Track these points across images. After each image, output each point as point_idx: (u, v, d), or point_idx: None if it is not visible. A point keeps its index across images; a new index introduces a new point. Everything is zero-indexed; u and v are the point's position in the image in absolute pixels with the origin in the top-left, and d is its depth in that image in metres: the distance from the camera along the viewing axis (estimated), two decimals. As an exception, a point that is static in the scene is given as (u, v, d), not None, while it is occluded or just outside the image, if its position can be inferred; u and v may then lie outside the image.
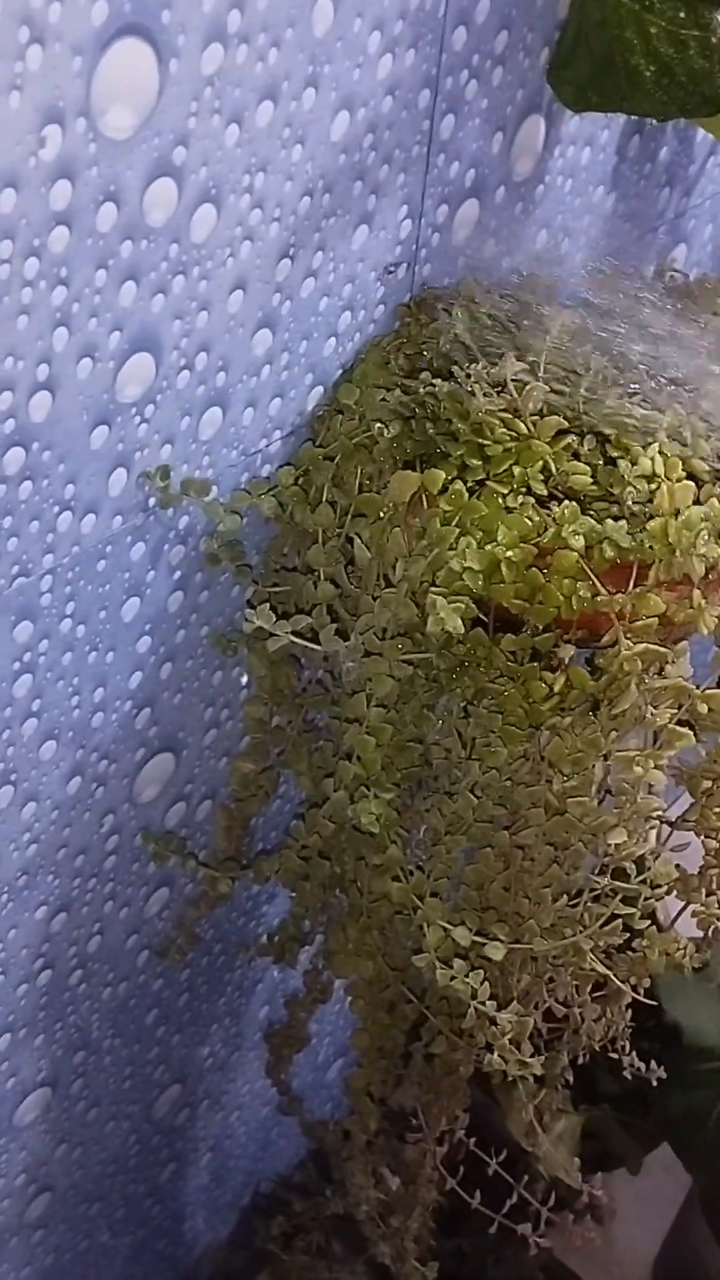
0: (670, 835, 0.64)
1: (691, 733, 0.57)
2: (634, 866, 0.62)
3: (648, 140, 0.73)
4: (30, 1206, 0.80)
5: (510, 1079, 0.72)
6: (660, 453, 0.55)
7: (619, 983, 0.66)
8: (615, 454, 0.56)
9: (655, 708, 0.57)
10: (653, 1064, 0.76)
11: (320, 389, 0.62)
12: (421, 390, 0.58)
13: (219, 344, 0.55)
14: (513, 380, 0.56)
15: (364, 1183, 0.87)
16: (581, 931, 0.63)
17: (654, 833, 0.63)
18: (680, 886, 0.64)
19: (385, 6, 0.53)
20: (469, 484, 0.56)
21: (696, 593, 0.54)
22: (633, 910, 0.62)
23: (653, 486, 0.54)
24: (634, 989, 0.68)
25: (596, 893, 0.63)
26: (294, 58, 0.51)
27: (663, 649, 0.55)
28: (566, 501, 0.54)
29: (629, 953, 0.66)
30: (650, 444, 0.55)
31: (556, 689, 0.57)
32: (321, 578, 0.62)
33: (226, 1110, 0.96)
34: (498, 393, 0.56)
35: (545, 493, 0.55)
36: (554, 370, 0.58)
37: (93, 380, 0.51)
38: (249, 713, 0.71)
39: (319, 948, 0.79)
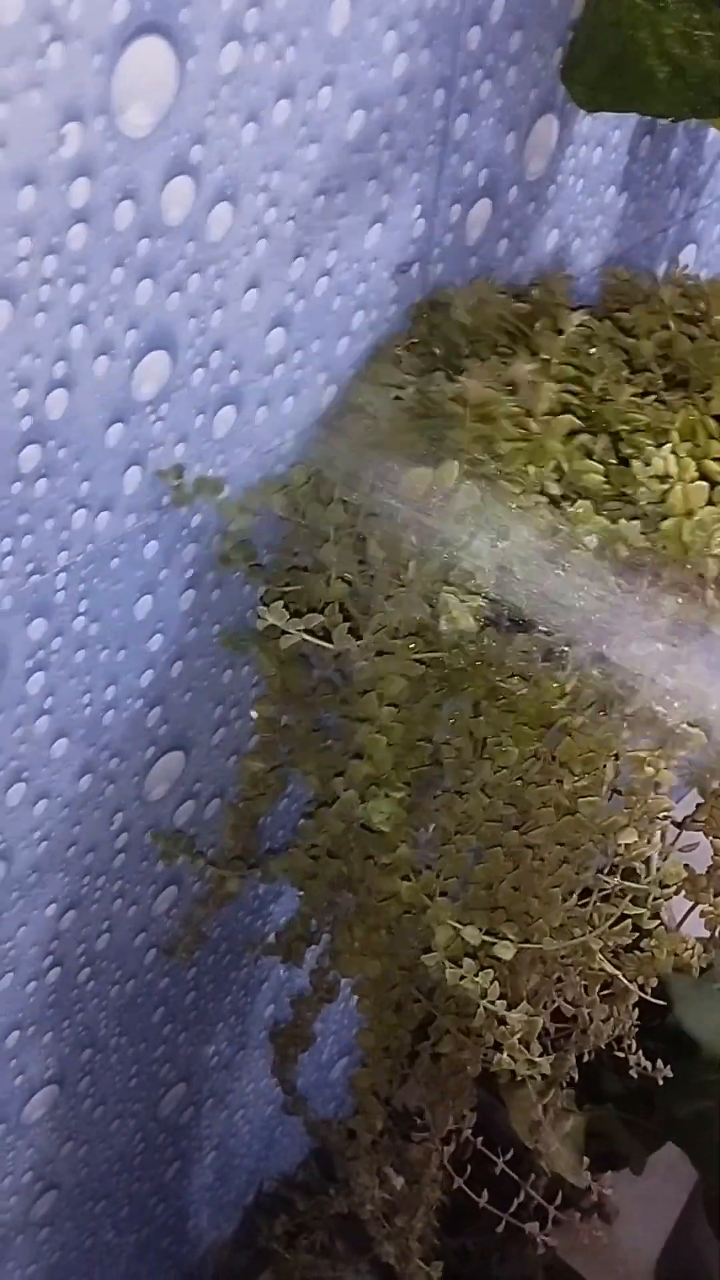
0: (679, 836, 0.65)
1: (703, 733, 0.57)
2: (643, 866, 0.62)
3: (659, 140, 0.73)
4: (36, 1204, 0.80)
5: (518, 1079, 0.72)
6: (673, 453, 0.55)
7: (627, 982, 0.67)
8: (628, 453, 0.56)
9: (665, 708, 0.57)
10: (659, 1063, 0.76)
11: (333, 388, 0.62)
12: (434, 389, 0.58)
13: (233, 342, 0.55)
14: (525, 380, 0.56)
15: (369, 1182, 0.87)
16: (591, 931, 0.63)
17: (661, 833, 0.63)
18: (689, 887, 0.64)
19: (401, 5, 0.53)
20: (481, 484, 0.56)
21: (710, 593, 0.54)
22: (642, 910, 0.62)
23: (666, 487, 0.55)
24: (641, 988, 0.68)
25: (606, 893, 0.63)
26: (311, 56, 0.51)
27: (676, 649, 0.55)
28: (580, 501, 0.54)
29: (637, 952, 0.66)
30: (664, 443, 0.55)
31: (569, 689, 0.57)
32: (333, 576, 0.62)
33: (231, 1109, 0.96)
34: (510, 392, 0.56)
35: (558, 492, 0.55)
36: (566, 370, 0.58)
37: (109, 378, 0.51)
38: (259, 711, 0.71)
39: (325, 947, 0.79)
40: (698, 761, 0.62)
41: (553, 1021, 0.72)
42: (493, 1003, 0.61)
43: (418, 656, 0.59)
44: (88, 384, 0.50)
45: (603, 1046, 0.76)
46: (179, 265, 0.51)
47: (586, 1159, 0.92)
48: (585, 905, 0.63)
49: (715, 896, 0.65)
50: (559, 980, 0.70)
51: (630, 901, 0.62)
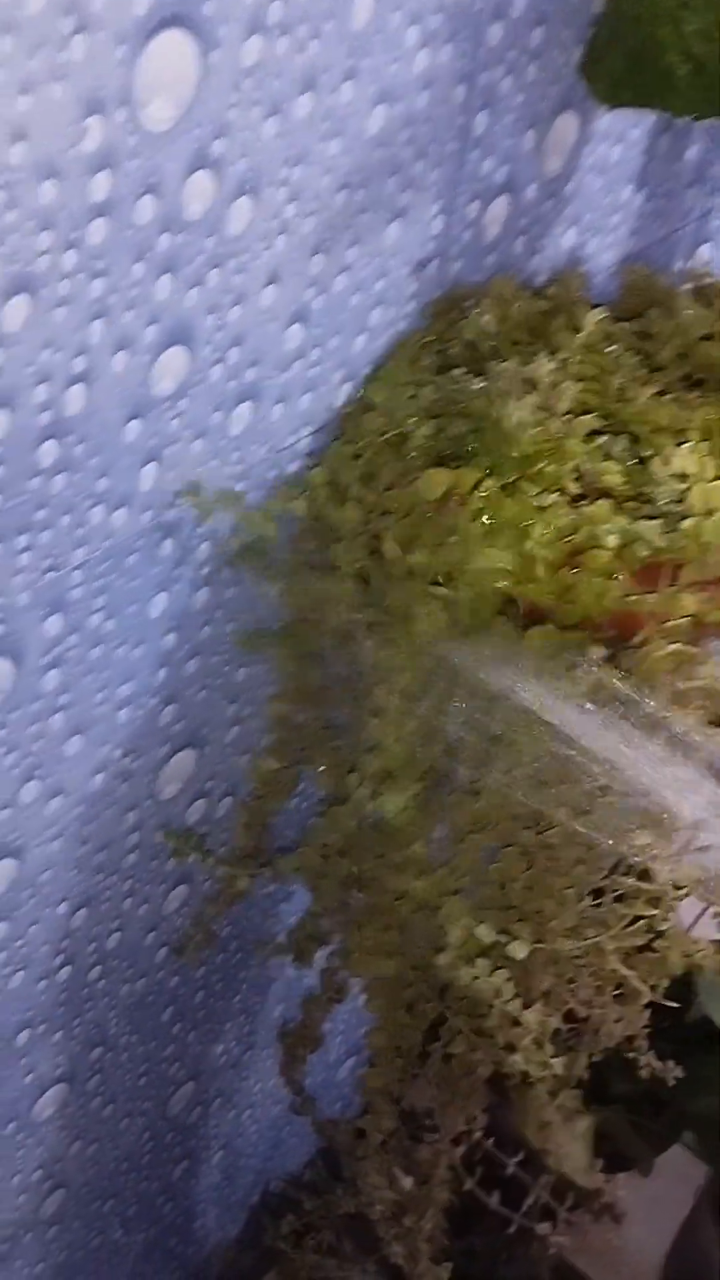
0: (693, 838, 0.64)
1: (721, 733, 0.57)
2: (658, 867, 0.62)
3: (677, 138, 0.73)
4: (45, 1203, 0.79)
5: (529, 1080, 0.72)
6: (693, 452, 0.55)
7: (638, 984, 0.66)
8: (647, 453, 0.56)
9: (684, 708, 0.57)
10: (670, 1063, 0.76)
11: (350, 385, 0.62)
12: (452, 388, 0.57)
13: (251, 338, 0.55)
14: (544, 379, 0.56)
15: (378, 1182, 0.86)
16: (605, 932, 0.63)
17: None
18: (702, 889, 0.64)
19: (424, 0, 0.53)
20: (500, 483, 0.55)
21: (730, 593, 0.54)
22: (656, 912, 0.62)
23: (685, 486, 0.54)
24: (653, 989, 0.68)
25: (620, 894, 0.63)
26: (333, 50, 0.50)
27: (693, 650, 0.55)
28: (600, 501, 0.53)
29: (649, 953, 0.66)
30: (683, 443, 0.55)
31: (587, 687, 0.57)
32: (346, 574, 0.62)
33: (239, 1108, 0.96)
34: (529, 391, 0.56)
35: (577, 492, 0.55)
36: (585, 369, 0.58)
37: (128, 373, 0.50)
38: (273, 710, 0.71)
39: (336, 946, 0.78)
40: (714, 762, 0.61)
41: (564, 1022, 0.72)
42: (506, 1003, 0.61)
43: (430, 650, 0.59)
44: (106, 379, 0.50)
45: (614, 1047, 0.75)
46: (199, 260, 0.50)
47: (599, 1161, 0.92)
48: (599, 906, 0.63)
49: (729, 898, 0.65)
50: (571, 981, 0.70)
51: (644, 903, 0.62)
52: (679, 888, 0.63)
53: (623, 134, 0.69)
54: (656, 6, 0.57)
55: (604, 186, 0.70)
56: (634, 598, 0.52)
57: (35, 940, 0.65)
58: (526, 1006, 0.62)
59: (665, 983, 0.68)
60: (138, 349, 0.50)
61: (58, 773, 0.60)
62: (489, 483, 0.55)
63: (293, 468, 0.62)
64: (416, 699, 0.60)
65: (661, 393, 0.57)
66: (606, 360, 0.58)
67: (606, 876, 0.64)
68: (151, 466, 0.54)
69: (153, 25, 0.44)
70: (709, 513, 0.54)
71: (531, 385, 0.56)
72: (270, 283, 0.54)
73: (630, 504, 0.55)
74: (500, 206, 0.64)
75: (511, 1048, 0.64)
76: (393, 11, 0.52)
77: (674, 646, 0.54)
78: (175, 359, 0.52)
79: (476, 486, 0.55)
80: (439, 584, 0.55)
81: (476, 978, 0.61)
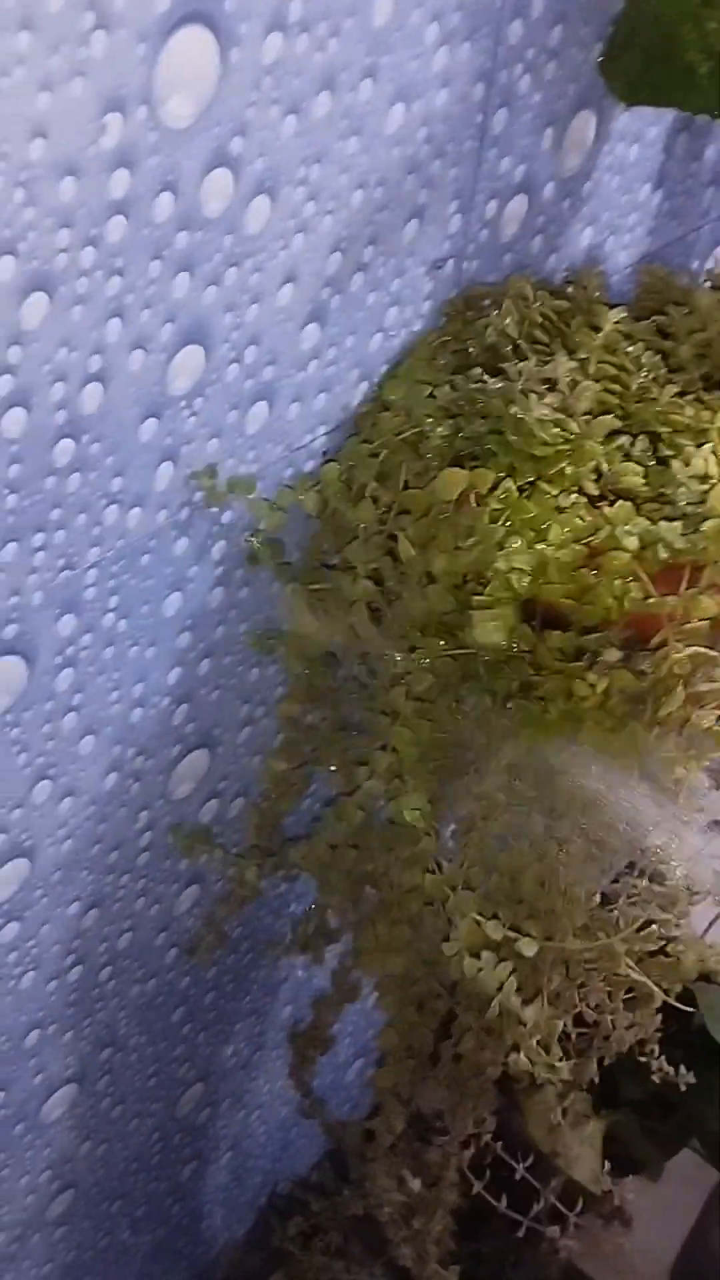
0: (709, 842, 0.64)
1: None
2: (671, 869, 0.61)
3: (695, 137, 0.73)
4: (53, 1203, 0.79)
5: (536, 1082, 0.71)
6: (714, 453, 0.54)
7: (652, 985, 0.66)
8: (667, 454, 0.55)
9: (701, 707, 0.56)
10: (682, 1070, 0.76)
11: (365, 384, 0.62)
12: (471, 387, 0.57)
13: (268, 337, 0.55)
14: (564, 379, 0.55)
15: (387, 1184, 0.86)
16: (616, 934, 0.62)
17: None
18: (717, 894, 0.64)
19: (443, -2, 0.53)
20: (519, 483, 0.55)
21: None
22: (668, 916, 0.62)
23: (706, 487, 0.54)
24: (665, 994, 0.68)
25: (634, 898, 0.62)
26: (353, 48, 0.50)
27: (712, 653, 0.54)
28: (620, 502, 0.53)
29: (662, 957, 0.65)
30: (703, 444, 0.55)
31: (600, 690, 0.56)
32: (361, 574, 0.61)
33: (248, 1109, 0.95)
34: (549, 391, 0.55)
35: (596, 493, 0.55)
36: (604, 369, 0.57)
37: (144, 372, 0.50)
38: (283, 710, 0.70)
39: (346, 946, 0.78)
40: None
41: (575, 1026, 0.71)
42: (509, 997, 0.61)
43: (449, 653, 0.59)
44: (123, 378, 0.49)
45: (624, 1052, 0.75)
46: (216, 258, 0.50)
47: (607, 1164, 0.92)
48: (612, 909, 0.63)
49: (744, 903, 0.64)
50: (582, 985, 0.69)
51: (657, 906, 0.62)
52: (693, 891, 0.62)
53: (640, 133, 0.69)
54: (679, 4, 0.56)
55: (621, 185, 0.70)
56: (654, 600, 0.52)
57: (46, 940, 0.65)
58: (527, 1003, 0.62)
59: (679, 988, 0.68)
60: (154, 348, 0.50)
61: (70, 773, 0.59)
62: (507, 483, 0.54)
63: (308, 466, 0.62)
64: (432, 702, 0.60)
65: (681, 393, 0.57)
66: (626, 360, 0.57)
67: (616, 880, 0.64)
68: (167, 465, 0.54)
69: (173, 22, 0.43)
70: (729, 514, 0.53)
71: (550, 385, 0.55)
72: (287, 281, 0.54)
73: (650, 505, 0.54)
74: (518, 205, 0.64)
75: (517, 1047, 0.64)
76: (413, 9, 0.51)
77: (692, 649, 0.54)
78: (192, 358, 0.52)
79: (495, 487, 0.55)
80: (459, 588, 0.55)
81: (480, 970, 0.61)
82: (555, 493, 0.54)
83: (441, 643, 0.59)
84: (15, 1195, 0.75)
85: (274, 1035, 0.91)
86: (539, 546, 0.53)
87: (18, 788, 0.57)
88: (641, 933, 0.62)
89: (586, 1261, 1.06)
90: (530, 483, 0.55)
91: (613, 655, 0.57)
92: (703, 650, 0.54)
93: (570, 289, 0.63)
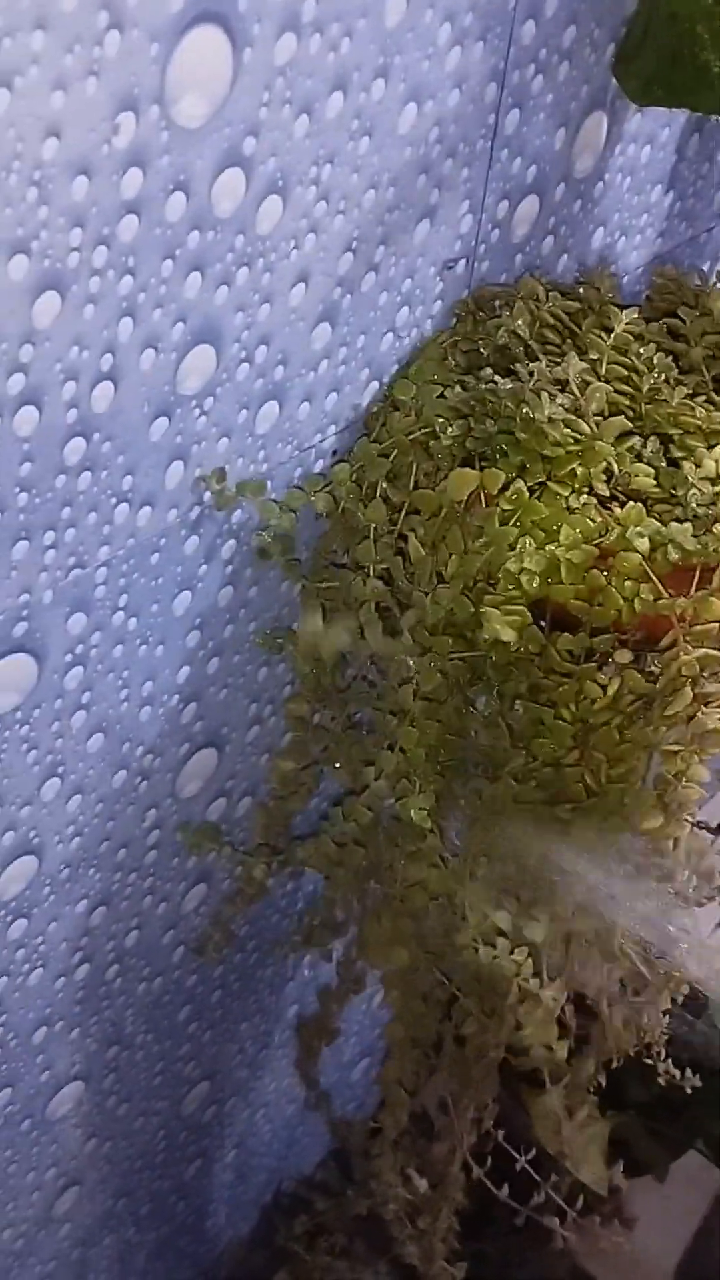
0: (717, 841, 0.64)
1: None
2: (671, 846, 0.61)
3: (707, 139, 0.73)
4: (59, 1200, 0.79)
5: (541, 1083, 0.72)
6: (725, 455, 0.54)
7: (643, 968, 0.66)
8: (679, 455, 0.55)
9: (708, 705, 0.56)
10: (687, 1073, 0.76)
11: (376, 384, 0.62)
12: (482, 387, 0.57)
13: (279, 337, 0.55)
14: (575, 380, 0.55)
15: (392, 1180, 0.86)
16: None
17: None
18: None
19: (456, -2, 0.53)
20: (529, 484, 0.55)
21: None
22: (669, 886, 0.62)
23: (717, 489, 0.54)
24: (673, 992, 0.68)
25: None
26: (365, 48, 0.50)
27: (722, 654, 0.54)
28: (631, 503, 0.53)
29: (665, 960, 0.65)
30: (715, 445, 0.55)
31: (610, 692, 0.56)
32: (371, 574, 0.61)
33: (253, 1108, 0.95)
34: (560, 392, 0.55)
35: (607, 494, 0.55)
36: (616, 370, 0.57)
37: (155, 371, 0.50)
38: (290, 710, 0.71)
39: (352, 938, 0.78)
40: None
41: (577, 1013, 0.72)
42: (526, 980, 0.61)
43: (459, 655, 0.59)
44: (134, 377, 0.49)
45: (631, 1054, 0.75)
46: (228, 258, 0.50)
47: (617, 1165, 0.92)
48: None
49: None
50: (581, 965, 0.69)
51: (656, 880, 0.62)
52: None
53: (653, 135, 0.69)
54: (693, 4, 0.56)
55: (633, 186, 0.70)
56: (664, 601, 0.52)
57: (54, 938, 0.65)
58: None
59: (685, 989, 0.68)
60: (165, 347, 0.50)
61: (79, 770, 0.59)
62: (518, 483, 0.54)
63: (318, 466, 0.62)
64: (441, 702, 0.60)
65: (693, 394, 0.57)
66: (637, 361, 0.57)
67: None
68: (177, 465, 0.54)
69: (186, 22, 0.43)
70: (740, 516, 0.53)
71: (562, 386, 0.55)
72: (299, 282, 0.54)
73: (661, 507, 0.54)
74: (529, 206, 0.64)
75: (519, 1026, 0.64)
76: (425, 9, 0.51)
77: (702, 651, 0.54)
78: (202, 357, 0.52)
79: (505, 487, 0.54)
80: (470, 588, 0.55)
81: (496, 958, 0.61)
82: (566, 493, 0.54)
83: (451, 643, 0.59)
84: (21, 1192, 0.75)
85: (280, 1034, 0.91)
86: (549, 547, 0.53)
87: (27, 785, 0.57)
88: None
89: (591, 1263, 1.06)
90: (541, 483, 0.55)
91: (624, 656, 0.57)
92: (712, 652, 0.54)
93: (582, 290, 0.63)
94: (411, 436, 0.59)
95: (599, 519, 0.53)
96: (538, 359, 0.57)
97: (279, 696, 0.70)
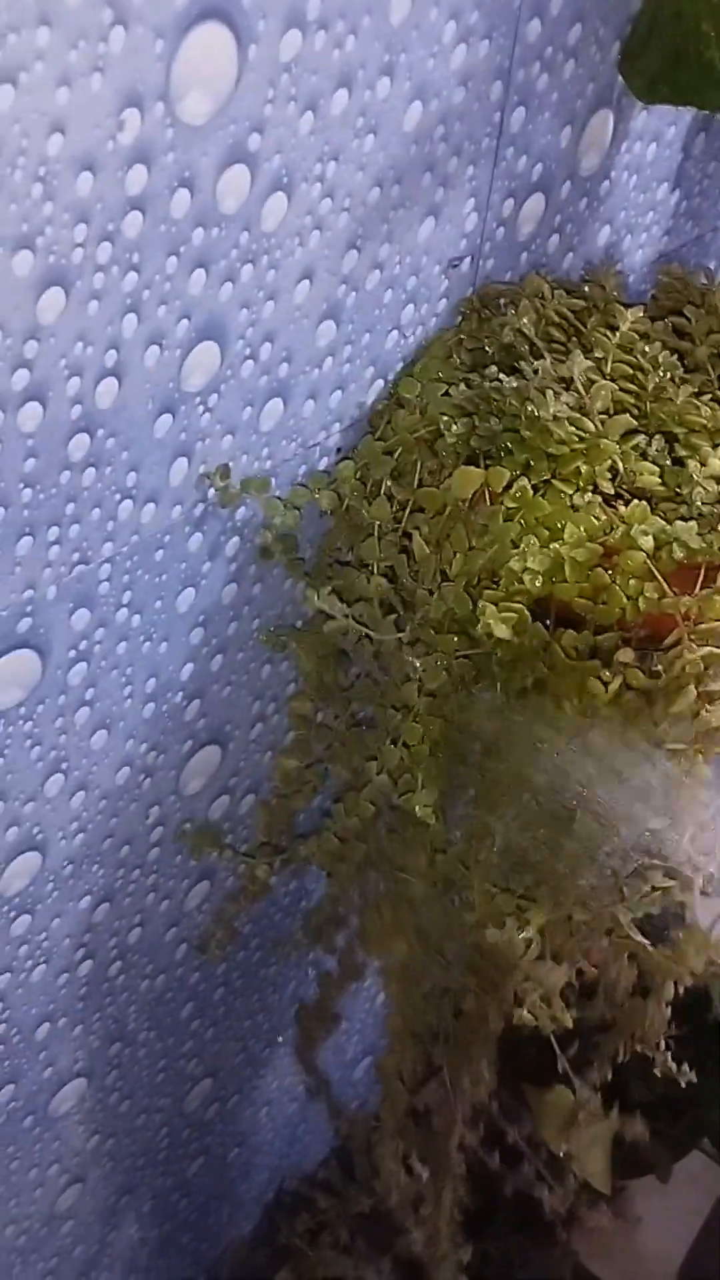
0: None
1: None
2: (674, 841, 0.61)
3: (713, 137, 0.72)
4: (61, 1197, 0.79)
5: (545, 1082, 0.71)
6: (729, 454, 0.54)
7: (645, 947, 0.66)
8: (683, 454, 0.55)
9: (712, 704, 0.56)
10: (685, 1067, 0.76)
11: (381, 382, 0.62)
12: (487, 385, 0.57)
13: (283, 334, 0.55)
14: (580, 378, 0.55)
15: (394, 1168, 0.86)
16: (621, 902, 0.63)
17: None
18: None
19: (462, -5, 0.53)
20: (534, 482, 0.55)
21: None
22: (671, 883, 0.62)
23: (722, 488, 0.54)
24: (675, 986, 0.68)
25: (635, 868, 0.62)
26: (370, 46, 0.50)
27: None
28: (635, 501, 0.53)
29: (668, 948, 0.65)
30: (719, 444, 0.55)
31: (613, 689, 0.56)
32: (375, 572, 0.61)
33: (256, 1105, 0.95)
34: (565, 389, 0.55)
35: (612, 492, 0.55)
36: (621, 368, 0.57)
37: (159, 368, 0.50)
38: (293, 708, 0.71)
39: (354, 930, 0.78)
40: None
41: (582, 1018, 0.72)
42: (534, 961, 0.61)
43: (464, 652, 0.59)
44: (138, 374, 0.49)
45: (636, 1049, 0.75)
46: (232, 255, 0.50)
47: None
48: (615, 880, 0.63)
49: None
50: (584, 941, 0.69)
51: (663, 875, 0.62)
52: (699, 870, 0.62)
53: (659, 132, 0.69)
54: (700, 2, 0.56)
55: (639, 185, 0.70)
56: (668, 599, 0.52)
57: (57, 934, 0.65)
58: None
59: (689, 980, 0.68)
60: (169, 344, 0.50)
61: (82, 767, 0.59)
62: (522, 481, 0.54)
63: (322, 464, 0.62)
64: (445, 697, 0.60)
65: (698, 393, 0.57)
66: (643, 359, 0.57)
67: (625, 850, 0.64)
68: (181, 461, 0.54)
69: (191, 18, 0.43)
70: (744, 515, 0.53)
71: (567, 384, 0.55)
72: (303, 279, 0.54)
73: (666, 505, 0.54)
74: (535, 204, 0.64)
75: (520, 1001, 0.65)
76: (431, 7, 0.51)
77: (707, 649, 0.53)
78: (207, 354, 0.52)
79: (510, 485, 0.54)
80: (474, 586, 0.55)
81: (507, 938, 0.61)
82: (570, 491, 0.54)
83: (455, 639, 0.59)
84: (24, 1189, 0.75)
85: (283, 1031, 0.91)
86: (554, 545, 0.53)
87: (30, 781, 0.57)
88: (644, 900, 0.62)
89: (595, 1262, 1.06)
90: (545, 481, 0.55)
91: (627, 655, 0.57)
92: (717, 650, 0.54)
93: (587, 288, 0.63)
94: (416, 434, 0.59)
95: (603, 517, 0.53)
96: (543, 357, 0.57)
97: (282, 694, 0.70)
